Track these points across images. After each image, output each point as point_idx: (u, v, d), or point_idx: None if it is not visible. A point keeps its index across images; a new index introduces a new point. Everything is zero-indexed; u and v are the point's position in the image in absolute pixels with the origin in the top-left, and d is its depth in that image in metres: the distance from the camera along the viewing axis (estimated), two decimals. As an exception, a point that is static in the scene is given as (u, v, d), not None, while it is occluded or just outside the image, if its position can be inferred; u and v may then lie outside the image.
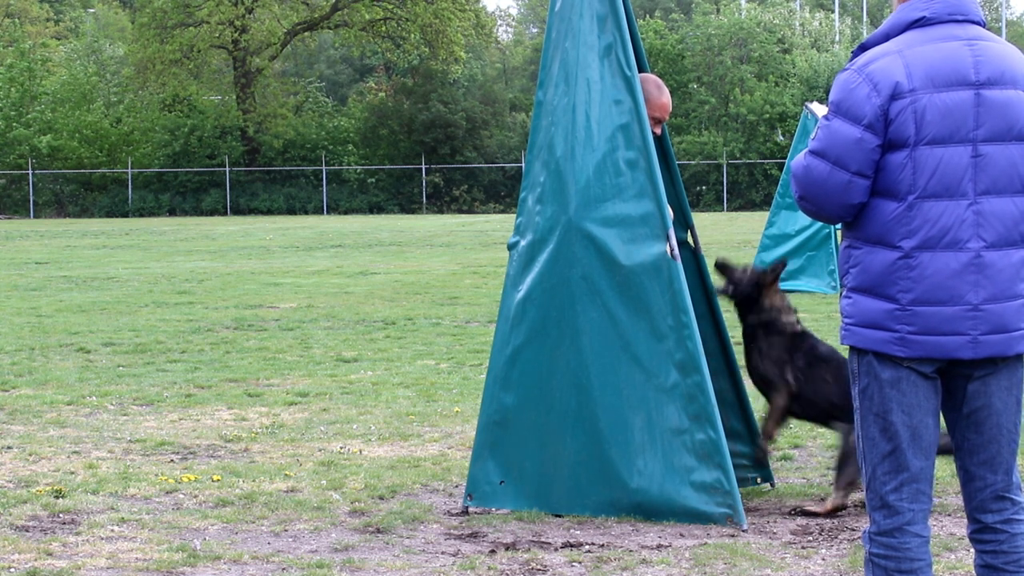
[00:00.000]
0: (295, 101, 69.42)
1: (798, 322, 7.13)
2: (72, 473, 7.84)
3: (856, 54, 4.20)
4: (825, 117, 4.18)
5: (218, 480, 7.62)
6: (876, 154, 4.06)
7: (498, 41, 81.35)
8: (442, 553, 6.18)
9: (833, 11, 78.98)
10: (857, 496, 7.05)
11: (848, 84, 4.10)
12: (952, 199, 4.04)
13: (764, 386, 7.07)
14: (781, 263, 7.21)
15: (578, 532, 6.49)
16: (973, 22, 4.13)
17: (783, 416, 7.07)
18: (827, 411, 6.95)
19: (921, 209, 4.03)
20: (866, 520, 6.65)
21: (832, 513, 6.74)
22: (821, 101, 55.01)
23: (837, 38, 72.16)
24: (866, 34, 71.09)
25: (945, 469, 7.66)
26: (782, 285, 19.34)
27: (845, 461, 6.77)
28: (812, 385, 6.96)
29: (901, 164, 4.04)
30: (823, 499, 6.93)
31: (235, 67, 66.39)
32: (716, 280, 7.25)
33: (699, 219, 32.37)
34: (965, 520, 6.64)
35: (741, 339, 7.23)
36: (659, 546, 6.22)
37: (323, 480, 7.60)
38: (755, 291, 7.08)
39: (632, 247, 6.71)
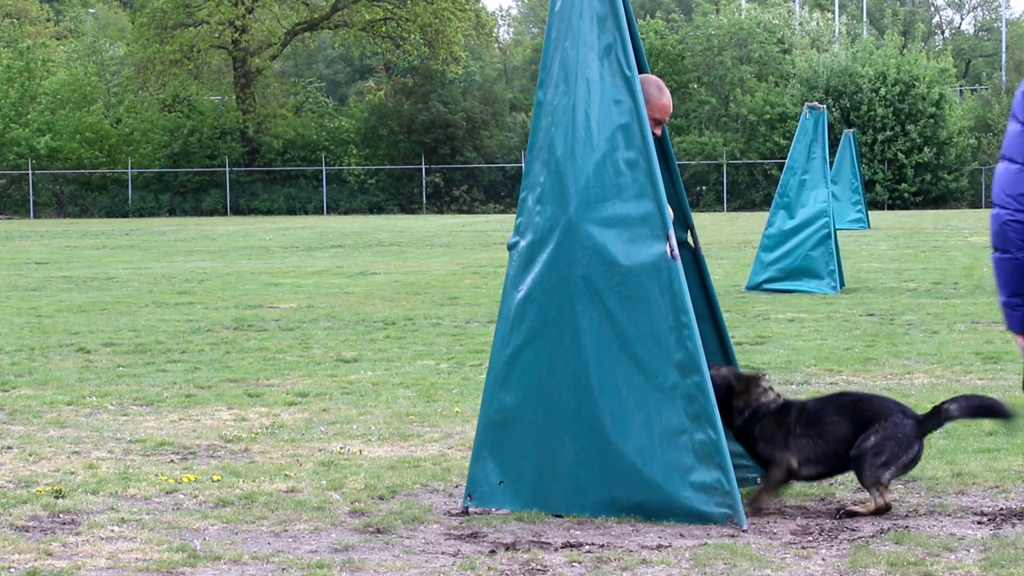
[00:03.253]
0: (295, 101, 69.44)
1: (777, 396, 7.06)
2: (72, 473, 7.84)
3: None
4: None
5: (218, 480, 7.61)
6: None
7: (498, 41, 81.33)
8: (442, 553, 6.18)
9: (832, 11, 78.95)
10: (858, 496, 7.04)
11: None
12: None
13: (767, 465, 7.01)
14: (756, 379, 7.04)
15: (578, 532, 6.49)
16: None
17: (776, 490, 6.99)
18: (848, 449, 6.84)
19: None
20: (866, 520, 6.66)
21: (876, 513, 6.71)
22: (821, 101, 55.06)
23: (836, 38, 72.14)
24: (865, 34, 71.29)
25: (945, 469, 7.66)
26: (782, 285, 19.23)
27: (860, 463, 6.75)
28: (824, 438, 6.87)
29: None
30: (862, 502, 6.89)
31: (235, 67, 66.39)
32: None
33: (699, 219, 32.37)
34: (965, 520, 6.66)
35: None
36: (659, 546, 6.22)
37: (323, 480, 7.60)
38: (728, 395, 6.96)
39: (632, 247, 6.71)
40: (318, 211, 64.27)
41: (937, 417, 6.84)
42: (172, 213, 63.98)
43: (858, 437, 6.78)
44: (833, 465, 6.92)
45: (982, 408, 6.92)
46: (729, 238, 34.09)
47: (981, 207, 61.76)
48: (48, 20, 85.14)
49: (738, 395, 6.98)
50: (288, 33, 66.41)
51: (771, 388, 7.09)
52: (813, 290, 18.71)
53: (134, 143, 65.38)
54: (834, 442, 6.84)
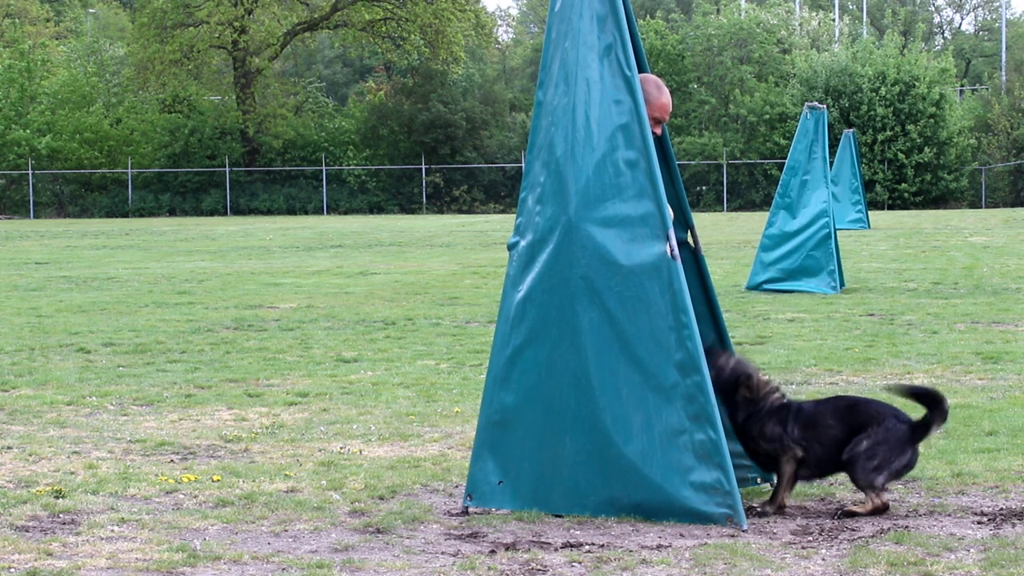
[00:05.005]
0: (295, 101, 69.44)
1: (782, 396, 7.07)
2: (72, 473, 7.84)
3: None
4: None
5: (218, 480, 7.61)
6: None
7: (498, 41, 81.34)
8: (442, 553, 6.18)
9: (832, 11, 78.95)
10: (858, 497, 7.04)
11: None
12: None
13: (771, 462, 7.01)
14: (759, 379, 7.08)
15: (578, 532, 6.49)
16: None
17: (793, 483, 7.00)
18: (841, 452, 6.86)
19: None
20: (866, 520, 6.66)
21: (874, 514, 6.72)
22: (821, 101, 55.07)
23: (837, 38, 72.14)
24: (866, 34, 71.11)
25: (945, 469, 7.66)
26: (783, 285, 19.22)
27: (853, 467, 6.76)
28: (818, 442, 6.89)
29: None
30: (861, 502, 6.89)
31: (235, 67, 66.40)
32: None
33: (699, 219, 32.10)
34: (965, 520, 6.66)
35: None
36: (659, 546, 6.22)
37: (323, 480, 7.60)
38: (733, 388, 6.99)
39: (632, 247, 6.71)
40: (318, 211, 64.27)
41: (927, 423, 6.86)
42: (172, 213, 63.99)
43: (850, 440, 6.79)
44: (826, 468, 6.96)
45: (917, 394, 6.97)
46: (729, 238, 34.09)
47: (981, 207, 61.78)
48: (48, 20, 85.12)
49: (741, 388, 6.99)
50: (288, 33, 66.42)
51: (778, 388, 7.10)
52: (813, 290, 18.72)
53: (134, 143, 65.38)
54: (828, 446, 6.86)
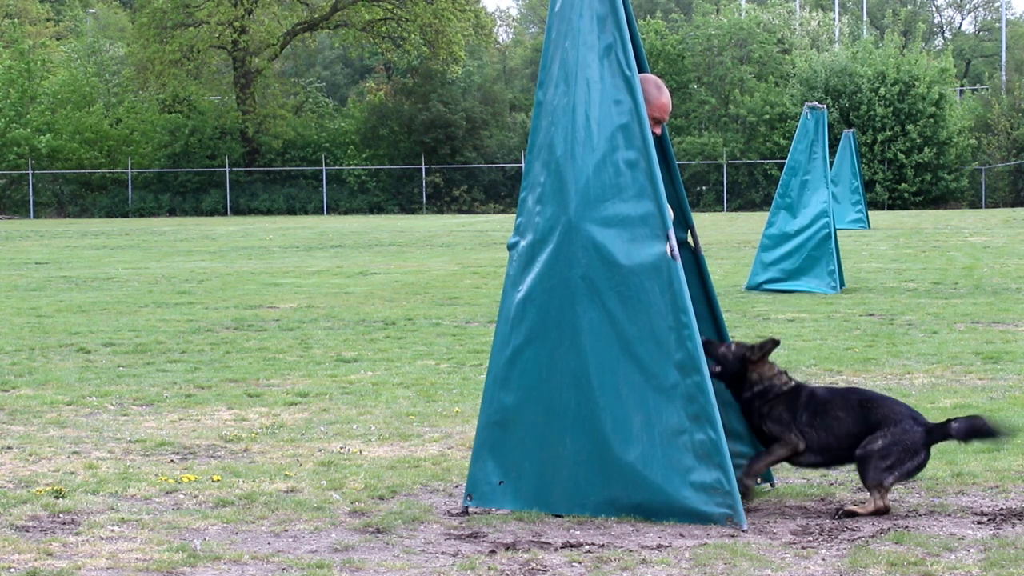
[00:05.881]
0: (295, 102, 69.44)
1: (790, 379, 7.08)
2: (72, 473, 7.84)
3: None
4: None
5: (218, 480, 7.62)
6: None
7: (498, 41, 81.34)
8: (442, 553, 6.18)
9: (833, 11, 78.95)
10: (858, 496, 7.04)
11: None
12: None
13: (771, 442, 7.01)
14: (772, 343, 7.11)
15: (578, 532, 6.49)
16: None
17: (775, 463, 7.02)
18: (851, 445, 6.87)
19: None
20: (866, 520, 6.66)
21: (875, 515, 6.72)
22: (821, 101, 55.05)
23: (837, 38, 72.14)
24: (866, 34, 70.99)
25: (945, 469, 7.66)
26: (783, 285, 19.24)
27: (865, 465, 6.76)
28: (827, 431, 6.90)
29: None
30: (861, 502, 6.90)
31: (235, 67, 66.41)
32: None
33: (699, 219, 32.09)
34: (965, 520, 6.66)
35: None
36: (659, 546, 6.22)
37: (323, 480, 7.60)
38: (742, 367, 7.02)
39: (632, 247, 6.71)
40: (318, 211, 64.27)
41: (944, 430, 6.86)
42: (172, 213, 63.99)
43: (863, 436, 6.80)
44: (831, 458, 6.96)
45: (979, 430, 6.91)
46: (729, 238, 34.09)
47: (981, 207, 61.78)
48: (48, 20, 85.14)
49: (750, 365, 7.00)
50: (288, 33, 66.42)
51: (785, 372, 7.11)
52: (813, 290, 18.72)
53: (134, 143, 65.37)
54: (837, 437, 6.87)
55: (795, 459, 6.99)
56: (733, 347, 7.08)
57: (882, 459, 6.73)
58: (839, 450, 6.89)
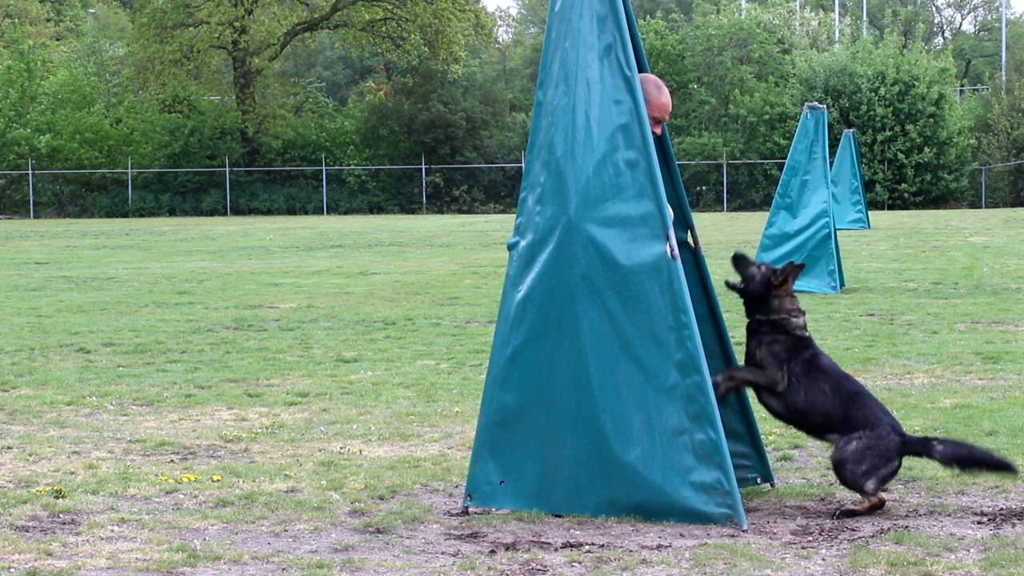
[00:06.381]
0: (295, 102, 69.45)
1: (805, 327, 7.12)
2: (72, 473, 7.84)
3: None
4: None
5: (218, 480, 7.61)
6: None
7: (498, 41, 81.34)
8: (442, 553, 6.18)
9: (833, 11, 78.96)
10: (857, 496, 7.04)
11: None
12: None
13: (753, 364, 7.07)
14: (797, 267, 7.19)
15: (578, 532, 6.49)
16: None
17: (751, 383, 7.05)
18: (822, 424, 6.92)
19: None
20: (866, 520, 6.66)
21: (872, 510, 6.74)
22: (820, 101, 55.04)
23: (837, 38, 72.14)
24: (866, 34, 71.02)
25: (945, 469, 7.66)
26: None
27: (840, 468, 6.79)
28: (808, 395, 6.93)
29: None
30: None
31: (235, 67, 66.40)
32: (732, 275, 7.26)
33: (699, 219, 32.09)
34: (965, 520, 6.67)
35: (744, 337, 7.22)
36: (659, 546, 6.22)
37: (323, 480, 7.60)
38: (766, 290, 7.10)
39: (632, 247, 6.71)
40: (318, 211, 64.27)
41: (923, 446, 6.88)
42: (172, 213, 63.99)
43: (834, 424, 6.83)
44: (794, 418, 7.03)
45: (966, 459, 6.88)
46: (729, 238, 34.08)
47: (981, 207, 61.78)
48: (48, 20, 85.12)
49: (774, 290, 7.03)
50: (288, 33, 66.42)
51: (805, 321, 7.13)
52: (813, 290, 18.72)
53: (134, 143, 65.37)
54: (811, 407, 6.93)
55: (765, 395, 7.04)
56: (763, 268, 7.15)
57: (857, 463, 6.76)
58: (804, 418, 6.96)
